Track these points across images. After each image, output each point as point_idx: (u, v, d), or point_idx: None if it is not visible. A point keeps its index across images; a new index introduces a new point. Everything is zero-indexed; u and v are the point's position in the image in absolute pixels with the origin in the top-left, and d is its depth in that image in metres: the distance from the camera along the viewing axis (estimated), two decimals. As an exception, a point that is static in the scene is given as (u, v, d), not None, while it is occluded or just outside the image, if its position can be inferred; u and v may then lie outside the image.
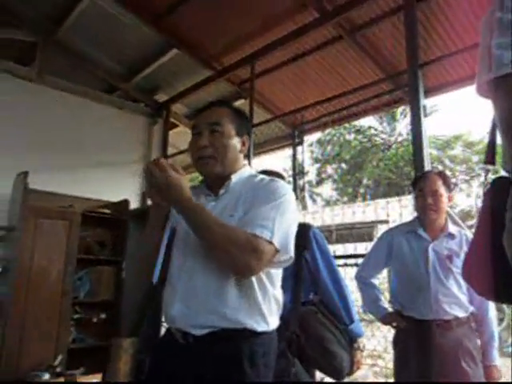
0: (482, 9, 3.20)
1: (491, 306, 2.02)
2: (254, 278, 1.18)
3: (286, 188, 1.27)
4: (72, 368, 3.57)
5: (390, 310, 2.19)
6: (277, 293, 1.26)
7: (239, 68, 4.46)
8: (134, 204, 4.56)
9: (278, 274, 1.29)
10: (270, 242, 1.14)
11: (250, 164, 4.29)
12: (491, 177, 1.05)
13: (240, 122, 1.36)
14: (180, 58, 4.64)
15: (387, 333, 3.46)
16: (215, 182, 1.33)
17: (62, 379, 3.35)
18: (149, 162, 1.17)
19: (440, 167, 15.68)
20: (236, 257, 1.12)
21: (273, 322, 1.23)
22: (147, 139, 5.28)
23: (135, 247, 3.98)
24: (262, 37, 4.14)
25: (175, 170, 1.16)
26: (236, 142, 1.32)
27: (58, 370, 3.42)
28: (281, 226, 1.17)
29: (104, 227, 4.47)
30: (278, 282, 1.29)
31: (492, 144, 1.00)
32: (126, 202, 4.39)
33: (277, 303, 1.26)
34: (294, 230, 1.24)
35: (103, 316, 4.20)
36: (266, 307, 1.20)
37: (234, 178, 1.31)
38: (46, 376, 3.29)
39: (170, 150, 5.51)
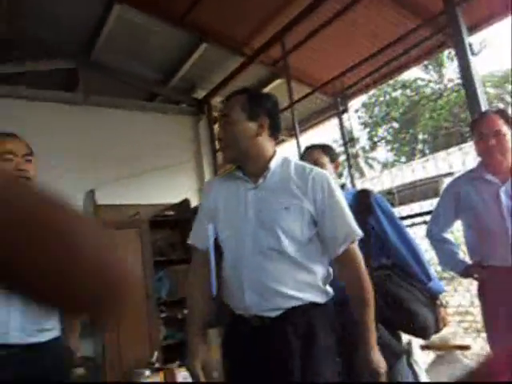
0: None
1: None
2: (310, 263, 1.33)
3: (328, 175, 1.40)
4: (168, 363, 3.82)
5: (469, 262, 2.12)
6: (325, 266, 1.40)
7: (270, 48, 4.42)
8: (193, 201, 4.71)
9: None
10: (354, 240, 1.35)
11: (297, 141, 4.27)
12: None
13: (253, 105, 1.38)
14: (210, 51, 4.67)
15: (470, 286, 3.33)
16: (247, 169, 1.40)
17: (161, 374, 3.60)
18: None
19: (501, 105, 14.60)
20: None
21: (330, 292, 1.39)
22: (195, 137, 5.41)
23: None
24: (287, 12, 4.06)
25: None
26: (249, 126, 1.36)
27: (157, 365, 3.68)
28: (351, 218, 1.36)
29: (171, 229, 4.68)
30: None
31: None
32: (186, 202, 4.55)
33: (328, 274, 1.40)
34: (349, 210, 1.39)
35: (186, 312, 4.41)
36: (322, 281, 1.35)
37: (272, 166, 1.38)
38: (148, 372, 3.55)
39: (218, 144, 5.60)
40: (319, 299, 1.32)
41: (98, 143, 4.55)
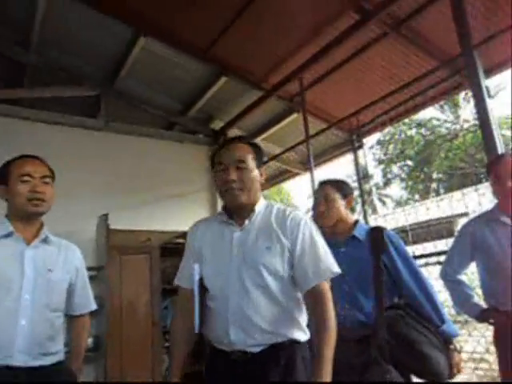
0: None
1: None
2: (293, 302, 1.41)
3: (306, 217, 1.49)
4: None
5: (484, 306, 2.06)
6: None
7: (288, 84, 4.51)
8: (205, 230, 4.71)
9: None
10: (326, 278, 1.39)
11: (312, 174, 4.29)
12: None
13: (257, 156, 1.51)
14: (229, 84, 4.79)
15: (485, 331, 3.22)
16: (239, 212, 1.48)
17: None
18: None
19: (517, 148, 14.50)
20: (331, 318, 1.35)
21: (307, 331, 1.44)
22: (210, 167, 5.47)
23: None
24: (306, 49, 4.17)
25: None
26: (256, 174, 1.49)
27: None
28: (326, 256, 1.42)
29: (181, 256, 4.65)
30: None
31: None
32: (198, 230, 4.54)
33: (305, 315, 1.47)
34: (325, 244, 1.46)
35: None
36: (302, 320, 1.42)
37: (257, 209, 1.48)
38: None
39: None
40: (299, 337, 1.39)
41: (115, 168, 4.63)
